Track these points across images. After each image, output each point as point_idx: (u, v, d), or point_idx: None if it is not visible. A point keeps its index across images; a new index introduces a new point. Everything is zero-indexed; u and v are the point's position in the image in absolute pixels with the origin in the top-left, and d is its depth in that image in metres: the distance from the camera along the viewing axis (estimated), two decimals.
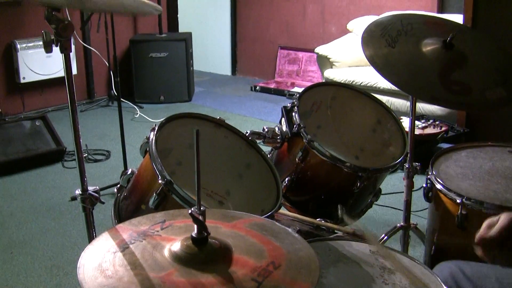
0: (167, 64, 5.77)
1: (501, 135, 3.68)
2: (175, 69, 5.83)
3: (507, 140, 2.14)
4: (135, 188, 1.63)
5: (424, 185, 1.91)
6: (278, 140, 2.02)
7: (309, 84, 6.04)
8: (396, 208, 3.22)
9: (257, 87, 6.28)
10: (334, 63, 5.23)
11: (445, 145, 4.21)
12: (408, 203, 2.28)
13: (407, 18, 2.20)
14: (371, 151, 2.14)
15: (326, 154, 1.92)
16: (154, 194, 1.47)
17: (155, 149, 1.52)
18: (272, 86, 6.32)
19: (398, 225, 2.49)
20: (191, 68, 5.98)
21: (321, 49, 5.29)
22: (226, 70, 7.13)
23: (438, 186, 1.81)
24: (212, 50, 7.10)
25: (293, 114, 1.99)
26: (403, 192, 2.25)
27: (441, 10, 5.13)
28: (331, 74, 5.16)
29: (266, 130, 2.02)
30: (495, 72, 2.04)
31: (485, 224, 1.35)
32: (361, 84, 4.92)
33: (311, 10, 6.12)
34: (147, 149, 1.58)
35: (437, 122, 3.97)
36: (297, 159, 1.97)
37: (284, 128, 2.01)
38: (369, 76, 4.92)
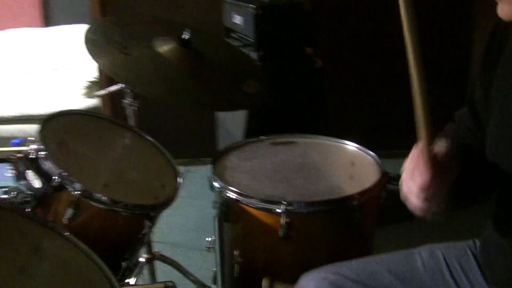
0: None
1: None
2: None
3: None
4: None
5: (216, 203, 1.64)
6: (28, 203, 1.48)
7: None
8: None
9: None
10: None
11: None
12: None
13: (122, 20, 1.92)
14: (146, 186, 1.73)
15: (106, 201, 1.48)
16: None
17: None
18: None
19: (142, 260, 2.17)
20: None
21: None
22: None
23: (241, 200, 1.56)
24: None
25: (42, 162, 1.48)
26: None
27: (47, 24, 4.74)
28: None
29: (11, 195, 1.45)
30: (237, 67, 1.93)
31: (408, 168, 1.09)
32: None
33: None
34: None
35: None
36: (65, 219, 1.47)
37: (36, 185, 1.48)
38: None
